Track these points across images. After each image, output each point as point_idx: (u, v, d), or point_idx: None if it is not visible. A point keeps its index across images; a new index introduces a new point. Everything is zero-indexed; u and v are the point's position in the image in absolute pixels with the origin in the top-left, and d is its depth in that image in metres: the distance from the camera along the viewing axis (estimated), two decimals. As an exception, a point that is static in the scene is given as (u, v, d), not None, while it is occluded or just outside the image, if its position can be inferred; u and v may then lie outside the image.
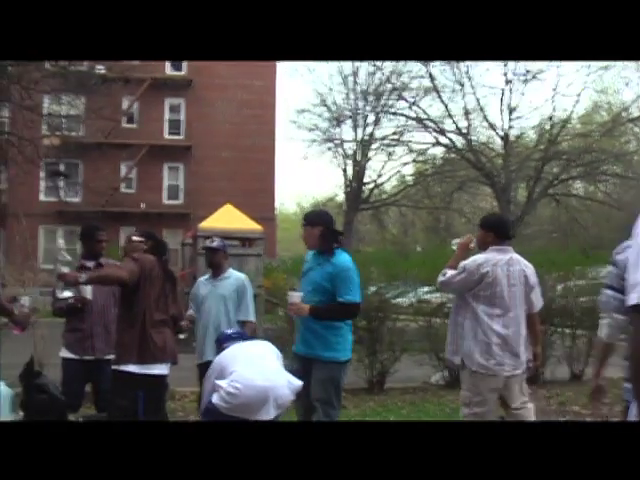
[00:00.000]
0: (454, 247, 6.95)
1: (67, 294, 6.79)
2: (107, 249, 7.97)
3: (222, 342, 6.92)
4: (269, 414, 6.20)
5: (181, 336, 7.47)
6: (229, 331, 7.20)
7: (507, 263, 6.52)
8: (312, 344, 6.84)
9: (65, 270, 6.31)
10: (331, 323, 6.74)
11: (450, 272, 6.53)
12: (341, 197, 46.64)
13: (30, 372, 6.79)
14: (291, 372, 6.79)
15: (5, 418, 6.63)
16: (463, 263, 6.50)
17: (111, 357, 6.82)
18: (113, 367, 6.49)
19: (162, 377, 6.55)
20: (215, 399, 6.20)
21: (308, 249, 7.18)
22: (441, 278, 6.59)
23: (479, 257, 6.51)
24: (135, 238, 6.92)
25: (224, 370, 6.34)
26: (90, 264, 7.63)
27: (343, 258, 6.79)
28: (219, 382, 6.23)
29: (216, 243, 8.26)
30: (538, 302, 6.79)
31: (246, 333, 7.24)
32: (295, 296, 6.85)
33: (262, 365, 6.41)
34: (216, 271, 8.29)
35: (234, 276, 8.35)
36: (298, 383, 6.51)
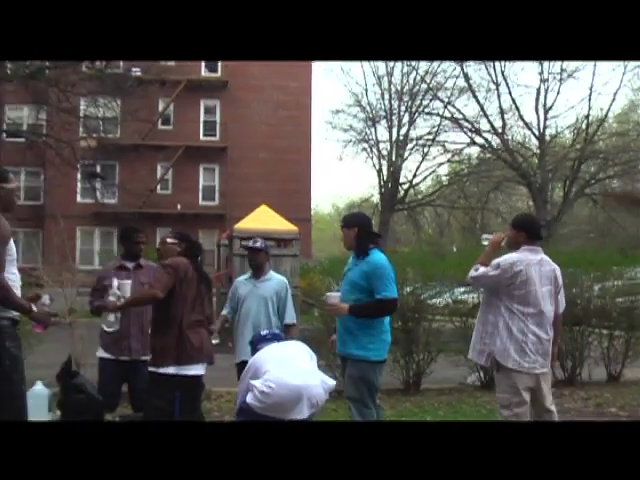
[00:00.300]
0: (484, 242, 6.92)
1: (111, 318, 7.01)
2: (145, 250, 8.00)
3: (256, 343, 6.92)
4: (303, 413, 6.18)
5: (214, 341, 7.48)
6: (263, 332, 7.18)
7: (538, 263, 6.55)
8: (347, 342, 6.93)
9: (112, 299, 6.67)
10: (365, 323, 6.77)
11: (483, 268, 6.52)
12: (376, 197, 46.66)
13: (68, 372, 6.84)
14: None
15: (43, 417, 6.69)
16: (497, 260, 6.51)
17: (147, 358, 6.84)
18: (150, 369, 6.51)
19: (198, 377, 6.58)
20: (249, 399, 6.20)
21: (346, 250, 7.28)
22: (473, 273, 6.57)
23: (513, 256, 6.52)
24: (169, 240, 6.94)
25: (258, 370, 6.34)
26: (130, 265, 7.72)
27: (378, 256, 6.86)
28: (253, 382, 6.23)
29: (259, 244, 8.25)
30: (563, 303, 6.84)
31: (279, 334, 7.21)
32: (333, 296, 6.89)
33: (295, 365, 6.39)
34: (257, 272, 8.28)
35: (276, 278, 8.36)
36: (332, 383, 6.50)
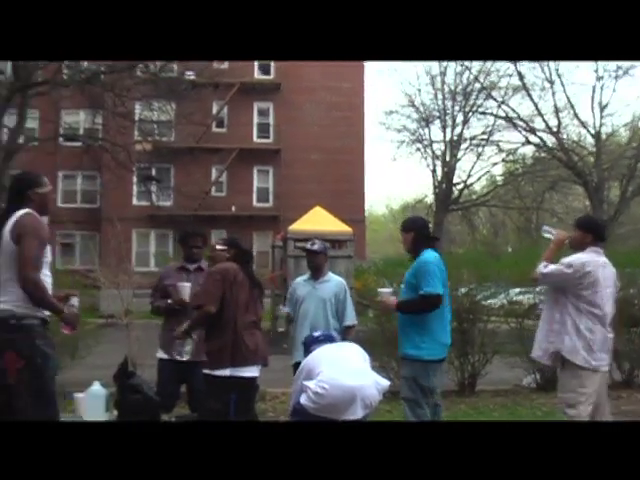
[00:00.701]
0: (545, 235, 6.88)
1: (187, 349, 7.22)
2: (202, 253, 8.03)
3: (309, 345, 6.94)
4: (356, 414, 6.16)
5: (280, 329, 7.57)
6: (316, 334, 7.18)
7: (602, 265, 6.57)
8: (402, 342, 7.01)
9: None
10: (418, 322, 6.81)
11: (552, 265, 6.51)
12: (430, 198, 46.53)
13: (124, 372, 6.90)
14: None
15: (100, 417, 6.77)
16: (568, 260, 6.51)
17: (204, 359, 6.88)
18: (205, 372, 6.55)
19: (253, 379, 6.60)
20: (303, 400, 6.21)
21: (406, 252, 7.37)
22: (543, 269, 6.53)
23: (583, 257, 6.52)
24: (219, 247, 7.00)
25: (311, 372, 6.35)
26: (191, 267, 7.79)
27: (426, 254, 6.94)
28: (306, 383, 6.24)
29: (316, 246, 8.23)
30: (614, 304, 6.80)
31: (332, 335, 7.20)
32: (385, 293, 6.92)
33: (349, 366, 6.39)
34: (316, 273, 8.28)
35: (334, 280, 8.36)
36: (385, 383, 6.49)
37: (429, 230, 7.59)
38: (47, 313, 5.63)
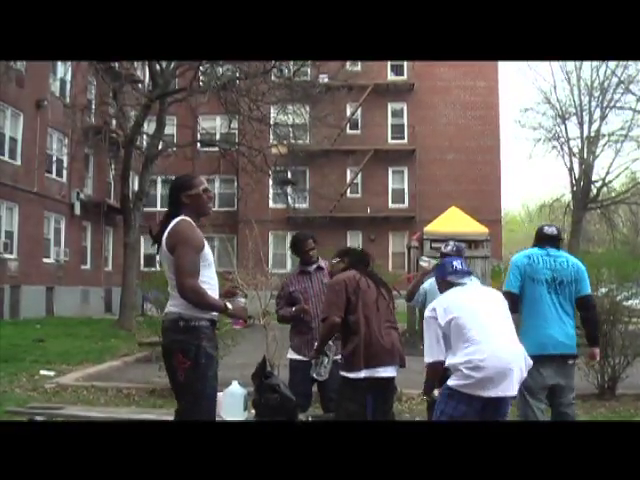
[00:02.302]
0: None
1: (322, 370, 6.99)
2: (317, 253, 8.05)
3: (443, 274, 6.36)
4: (511, 390, 5.68)
5: None
6: (456, 262, 6.40)
7: None
8: None
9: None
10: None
11: None
12: (568, 197, 45.52)
13: (262, 372, 7.01)
14: None
15: (238, 416, 6.90)
16: None
17: (337, 358, 6.90)
18: (342, 373, 6.54)
19: (390, 380, 6.53)
20: (452, 382, 5.72)
21: None
22: None
23: None
24: (334, 261, 7.06)
25: (458, 328, 5.83)
26: (311, 269, 7.90)
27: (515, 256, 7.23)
28: (454, 361, 5.75)
29: (450, 247, 8.15)
30: None
31: (470, 270, 6.53)
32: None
33: (500, 330, 5.86)
34: None
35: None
36: (530, 361, 6.02)
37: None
38: (215, 314, 5.77)
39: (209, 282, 5.67)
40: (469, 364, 5.61)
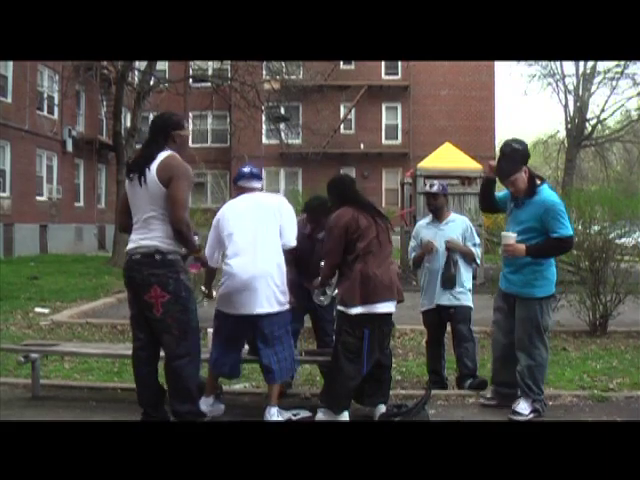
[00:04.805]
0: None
1: (327, 295, 7.08)
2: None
3: (235, 181, 6.79)
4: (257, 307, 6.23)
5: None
6: (246, 168, 6.77)
7: None
8: (512, 280, 6.84)
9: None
10: (532, 260, 6.59)
11: None
12: (562, 134, 45.40)
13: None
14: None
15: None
16: None
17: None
18: (339, 308, 6.52)
19: (387, 315, 6.52)
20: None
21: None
22: None
23: None
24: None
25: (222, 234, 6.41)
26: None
27: (547, 192, 6.66)
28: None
29: (435, 187, 8.11)
30: None
31: (259, 173, 6.86)
32: (510, 237, 6.64)
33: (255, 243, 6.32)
34: (438, 215, 8.20)
35: (459, 220, 8.28)
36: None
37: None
38: (183, 250, 5.78)
39: None
40: (224, 275, 6.20)
